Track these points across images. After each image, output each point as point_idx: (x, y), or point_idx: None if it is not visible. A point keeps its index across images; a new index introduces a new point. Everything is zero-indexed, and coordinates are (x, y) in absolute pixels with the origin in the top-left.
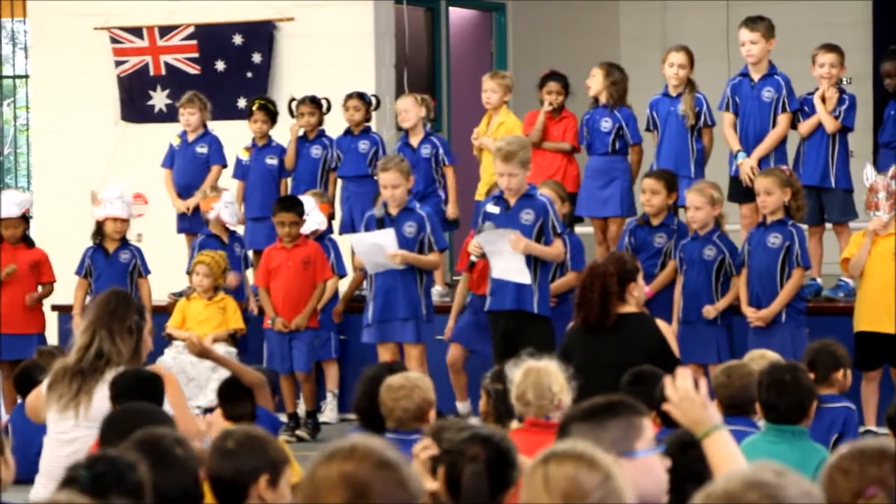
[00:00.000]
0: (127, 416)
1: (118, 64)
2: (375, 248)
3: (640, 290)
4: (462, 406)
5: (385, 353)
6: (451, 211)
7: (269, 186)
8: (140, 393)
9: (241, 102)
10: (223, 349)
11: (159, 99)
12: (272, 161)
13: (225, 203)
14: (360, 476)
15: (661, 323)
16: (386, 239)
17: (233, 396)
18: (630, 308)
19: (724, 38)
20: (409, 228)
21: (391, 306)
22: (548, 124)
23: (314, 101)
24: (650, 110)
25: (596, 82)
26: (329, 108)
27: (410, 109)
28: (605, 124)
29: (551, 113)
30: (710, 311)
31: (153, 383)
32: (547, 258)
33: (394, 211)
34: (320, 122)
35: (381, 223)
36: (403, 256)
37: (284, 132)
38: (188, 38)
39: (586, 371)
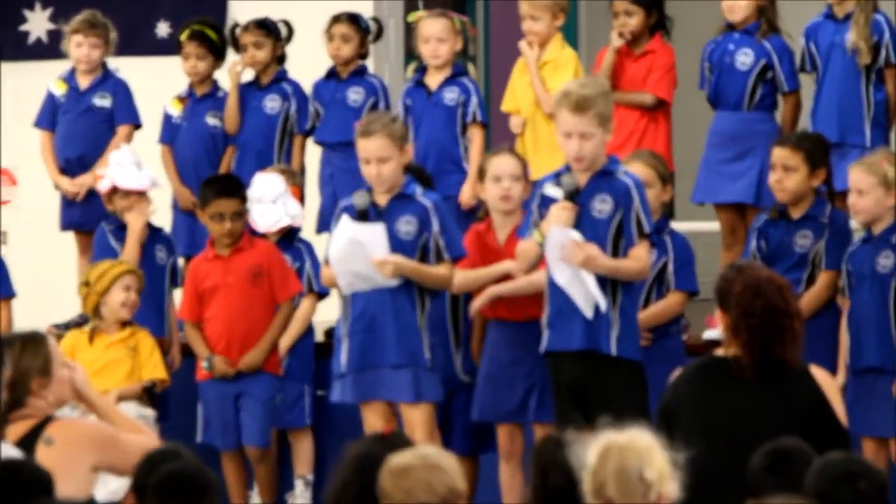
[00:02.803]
0: None
1: None
2: (355, 249)
3: None
4: None
5: (373, 418)
6: (466, 194)
7: (212, 158)
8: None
9: (163, 29)
10: (134, 411)
11: (38, 23)
12: (215, 120)
13: (121, 163)
14: None
15: (819, 373)
16: (372, 236)
17: (187, 495)
18: None
19: None
20: (406, 226)
21: (377, 346)
22: (623, 63)
23: (264, 27)
24: (806, 41)
25: (744, 5)
26: (290, 37)
27: (447, 40)
28: (744, 59)
29: (628, 46)
30: None
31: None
32: (621, 277)
33: (382, 199)
34: (278, 60)
35: (363, 217)
36: (397, 265)
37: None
38: None
39: (703, 444)
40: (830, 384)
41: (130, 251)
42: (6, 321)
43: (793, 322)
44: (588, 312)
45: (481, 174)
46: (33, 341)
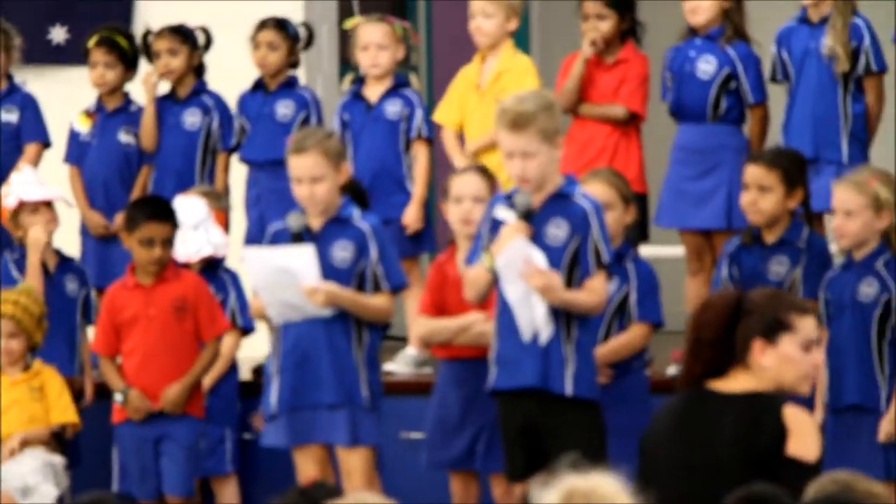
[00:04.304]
0: None
1: None
2: (282, 276)
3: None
4: None
5: (306, 463)
6: (410, 215)
7: (125, 179)
8: None
9: (58, 34)
10: (41, 458)
11: None
12: (128, 137)
13: (24, 182)
14: None
15: (792, 412)
16: (300, 260)
17: None
18: (753, 380)
19: None
20: (342, 252)
21: (310, 383)
22: (592, 73)
23: (179, 33)
24: (777, 47)
25: (709, 1)
26: (208, 45)
27: (387, 47)
28: (706, 67)
29: (598, 54)
30: (887, 430)
31: None
32: (575, 311)
33: (316, 222)
34: (196, 70)
35: (297, 241)
36: (330, 294)
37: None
38: None
39: (667, 481)
40: (803, 422)
41: (31, 271)
42: None
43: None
44: (526, 336)
45: (445, 194)
46: None
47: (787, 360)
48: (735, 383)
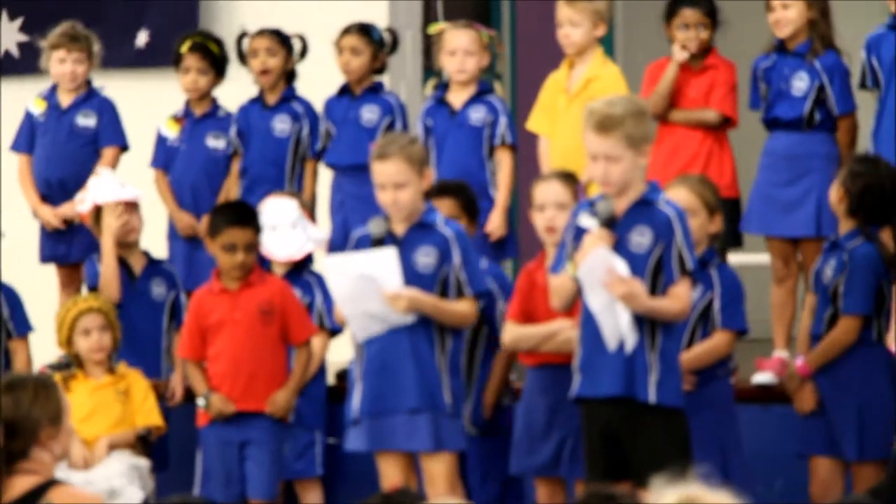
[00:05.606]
0: None
1: None
2: (364, 284)
3: None
4: None
5: (389, 469)
6: (494, 222)
7: (213, 183)
8: None
9: (142, 38)
10: (127, 461)
11: (9, 35)
12: (216, 142)
13: (100, 186)
14: None
15: None
16: (382, 264)
17: None
18: None
19: None
20: (426, 258)
21: (393, 389)
22: (680, 80)
23: (278, 35)
24: (867, 54)
25: (794, 14)
26: (304, 52)
27: (474, 53)
28: (800, 84)
29: (688, 62)
30: None
31: None
32: (660, 317)
33: (399, 228)
34: (289, 76)
35: (378, 246)
36: (412, 300)
37: (237, 90)
38: None
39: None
40: None
41: (106, 266)
42: (23, 360)
43: None
44: (611, 345)
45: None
46: (45, 387)
47: None
48: None
